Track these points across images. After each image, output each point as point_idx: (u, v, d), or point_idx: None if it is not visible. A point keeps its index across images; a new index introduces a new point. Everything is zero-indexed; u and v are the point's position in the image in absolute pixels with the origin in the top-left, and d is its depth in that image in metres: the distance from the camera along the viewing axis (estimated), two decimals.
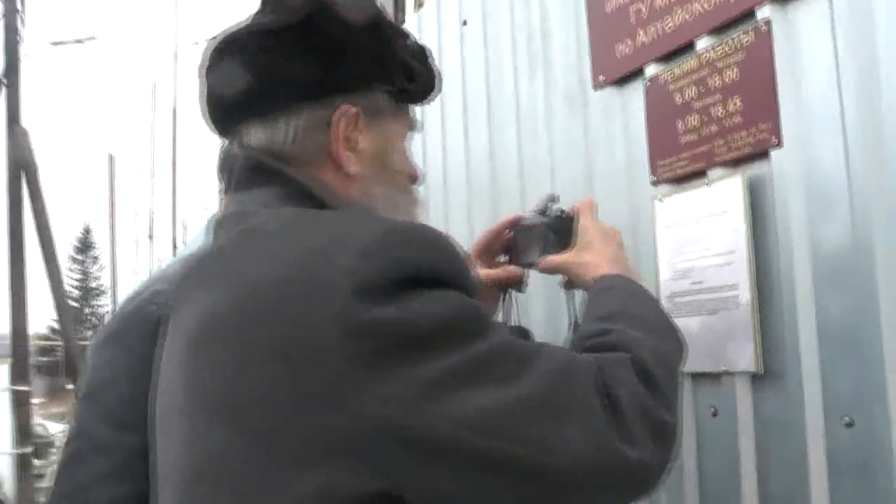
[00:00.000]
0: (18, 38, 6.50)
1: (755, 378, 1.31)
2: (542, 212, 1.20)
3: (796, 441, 1.23)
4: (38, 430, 9.10)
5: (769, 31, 1.29)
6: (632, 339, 0.84)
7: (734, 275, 1.33)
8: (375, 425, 0.68)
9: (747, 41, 1.33)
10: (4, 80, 6.49)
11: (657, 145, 1.51)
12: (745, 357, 1.31)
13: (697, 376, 1.42)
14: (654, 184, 1.52)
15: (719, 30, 1.39)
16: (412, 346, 0.70)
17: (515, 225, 1.20)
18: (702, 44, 1.42)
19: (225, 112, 0.91)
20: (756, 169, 1.33)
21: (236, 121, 0.90)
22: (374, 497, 0.69)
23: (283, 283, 0.73)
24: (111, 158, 17.22)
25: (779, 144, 1.28)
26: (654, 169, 1.51)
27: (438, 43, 2.37)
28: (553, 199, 1.21)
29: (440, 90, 1.03)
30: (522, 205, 1.85)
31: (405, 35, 0.96)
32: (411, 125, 0.99)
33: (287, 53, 0.87)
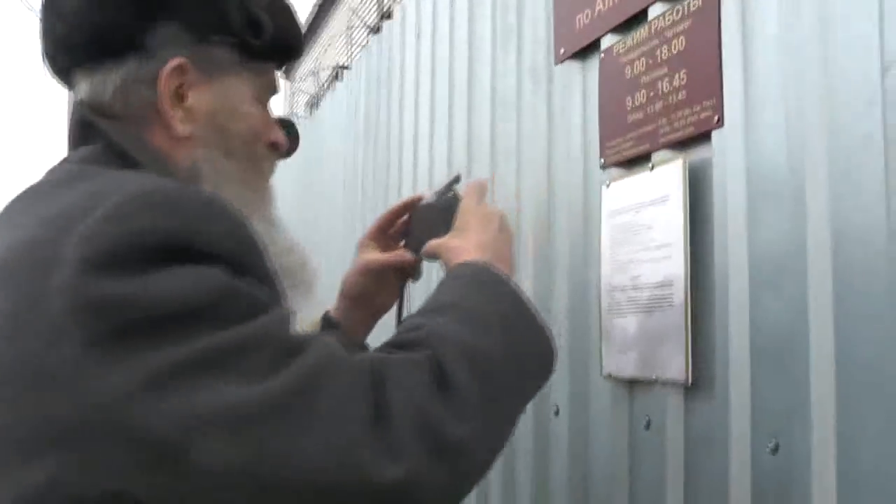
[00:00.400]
0: None
1: (686, 389, 1.16)
2: (442, 193, 1.09)
3: (721, 463, 1.08)
4: None
5: None
6: (446, 335, 0.72)
7: (670, 271, 1.18)
8: (99, 418, 0.60)
9: (695, 6, 1.17)
10: None
11: (607, 125, 1.36)
12: (675, 365, 1.16)
13: (633, 383, 1.27)
14: (603, 167, 1.37)
15: None
16: (145, 329, 0.61)
17: (412, 207, 1.10)
18: (654, 11, 1.27)
19: (54, 61, 0.85)
20: (698, 152, 1.17)
21: (67, 71, 0.83)
22: (110, 497, 0.61)
23: (26, 249, 0.66)
24: None
25: (720, 124, 1.12)
26: (603, 151, 1.37)
27: (433, 24, 2.26)
28: (457, 179, 1.10)
29: (301, 51, 0.93)
30: (493, 188, 1.73)
31: None
32: (269, 87, 0.90)
33: None
